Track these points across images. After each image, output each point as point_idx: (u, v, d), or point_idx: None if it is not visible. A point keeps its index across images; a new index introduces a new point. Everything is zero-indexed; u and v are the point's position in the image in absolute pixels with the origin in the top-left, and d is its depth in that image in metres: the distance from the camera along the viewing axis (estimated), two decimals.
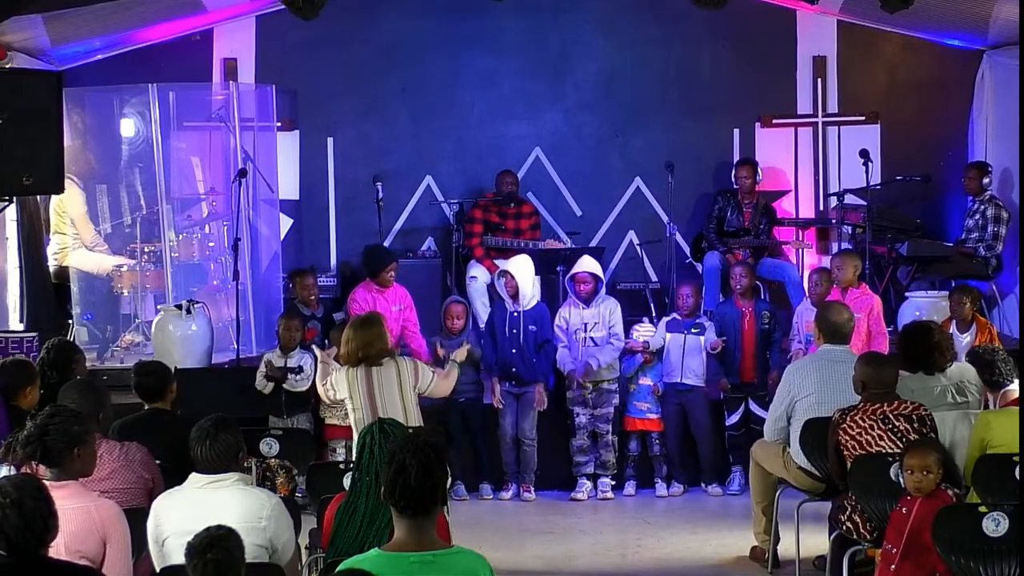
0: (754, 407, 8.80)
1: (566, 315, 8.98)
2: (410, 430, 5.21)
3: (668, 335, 8.94)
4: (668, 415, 8.97)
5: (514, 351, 8.80)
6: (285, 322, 8.67)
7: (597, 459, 8.92)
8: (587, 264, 8.97)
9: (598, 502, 8.82)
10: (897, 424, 6.09)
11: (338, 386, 6.60)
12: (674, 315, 9.05)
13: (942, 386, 6.74)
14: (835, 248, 11.22)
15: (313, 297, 9.38)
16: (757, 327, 8.85)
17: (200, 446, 4.84)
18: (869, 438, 6.09)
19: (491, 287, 9.67)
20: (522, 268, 8.90)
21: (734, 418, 8.92)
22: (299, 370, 8.44)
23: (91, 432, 4.94)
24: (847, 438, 6.14)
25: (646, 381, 8.98)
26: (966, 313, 8.80)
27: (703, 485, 8.98)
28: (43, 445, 4.67)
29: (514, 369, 8.82)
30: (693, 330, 8.87)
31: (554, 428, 9.06)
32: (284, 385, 8.44)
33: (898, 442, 6.00)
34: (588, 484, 8.88)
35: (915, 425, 6.10)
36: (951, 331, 8.47)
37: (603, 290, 9.02)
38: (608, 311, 8.91)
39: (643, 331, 9.16)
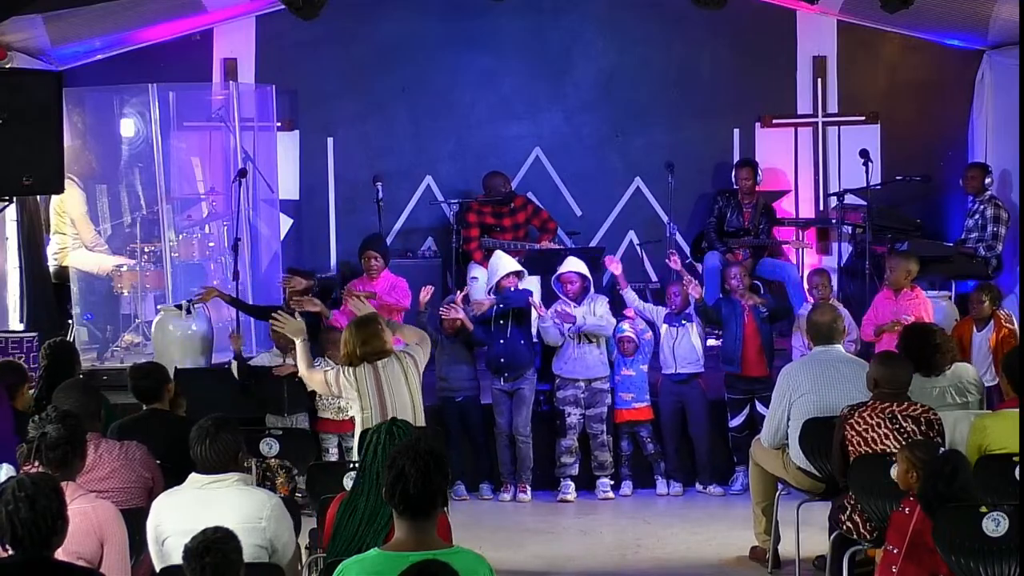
0: (761, 408, 8.62)
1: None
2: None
3: (664, 327, 9.01)
4: (665, 412, 8.96)
5: (501, 341, 8.79)
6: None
7: (593, 460, 8.89)
8: (572, 264, 8.96)
9: (597, 502, 8.78)
10: (904, 425, 6.08)
11: (345, 388, 6.53)
12: (668, 310, 9.10)
13: (940, 387, 6.77)
14: (835, 248, 11.25)
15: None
16: (757, 318, 8.84)
17: (199, 446, 4.84)
18: (875, 436, 6.09)
19: (492, 290, 9.64)
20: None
21: (738, 420, 8.85)
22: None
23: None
24: (853, 433, 6.14)
25: (628, 372, 8.97)
26: (985, 311, 8.80)
27: (698, 486, 8.97)
28: (50, 451, 4.69)
29: (502, 360, 8.80)
30: (683, 321, 8.96)
31: (546, 428, 9.01)
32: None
33: (903, 443, 5.98)
34: (572, 485, 8.84)
35: (923, 428, 6.08)
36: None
37: (591, 288, 9.01)
38: (597, 305, 8.89)
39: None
